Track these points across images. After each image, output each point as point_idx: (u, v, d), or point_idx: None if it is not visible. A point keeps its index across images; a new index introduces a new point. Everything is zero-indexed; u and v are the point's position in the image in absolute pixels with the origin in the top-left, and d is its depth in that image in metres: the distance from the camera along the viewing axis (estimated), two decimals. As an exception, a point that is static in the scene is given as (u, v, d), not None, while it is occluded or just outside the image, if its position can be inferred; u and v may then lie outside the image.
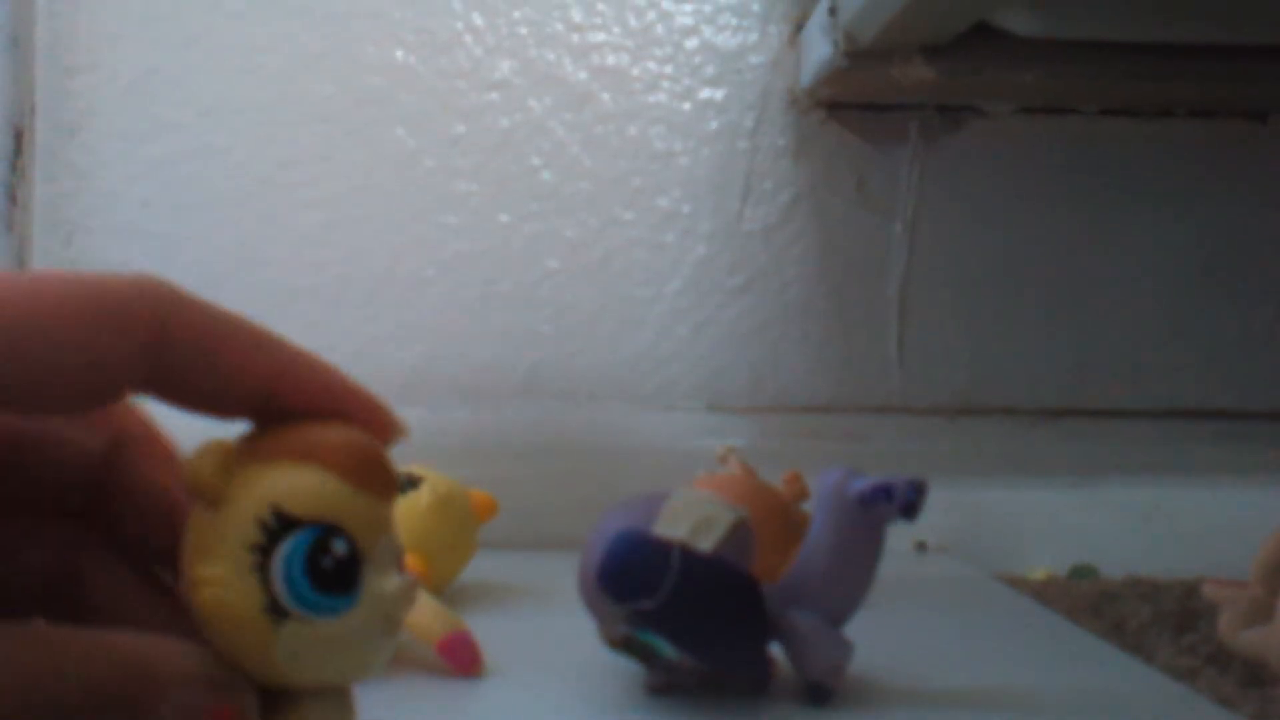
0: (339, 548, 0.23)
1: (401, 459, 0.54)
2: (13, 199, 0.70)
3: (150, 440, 0.26)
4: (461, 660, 0.42)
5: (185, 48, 0.73)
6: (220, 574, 0.22)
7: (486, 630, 0.44)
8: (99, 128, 0.73)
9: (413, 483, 0.53)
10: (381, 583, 0.23)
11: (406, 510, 0.52)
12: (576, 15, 0.75)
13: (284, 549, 0.23)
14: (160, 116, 0.73)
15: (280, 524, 0.23)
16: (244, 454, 0.23)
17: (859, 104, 0.76)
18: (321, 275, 0.74)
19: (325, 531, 0.23)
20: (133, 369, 0.23)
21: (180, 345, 0.24)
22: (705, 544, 0.37)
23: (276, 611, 0.22)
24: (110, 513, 0.26)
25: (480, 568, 0.56)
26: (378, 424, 0.25)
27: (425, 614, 0.43)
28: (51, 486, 0.26)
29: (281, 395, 0.24)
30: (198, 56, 0.73)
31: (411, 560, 0.49)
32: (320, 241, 0.74)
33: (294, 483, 0.23)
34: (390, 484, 0.24)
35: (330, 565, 0.23)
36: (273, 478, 0.23)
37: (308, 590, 0.23)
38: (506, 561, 0.61)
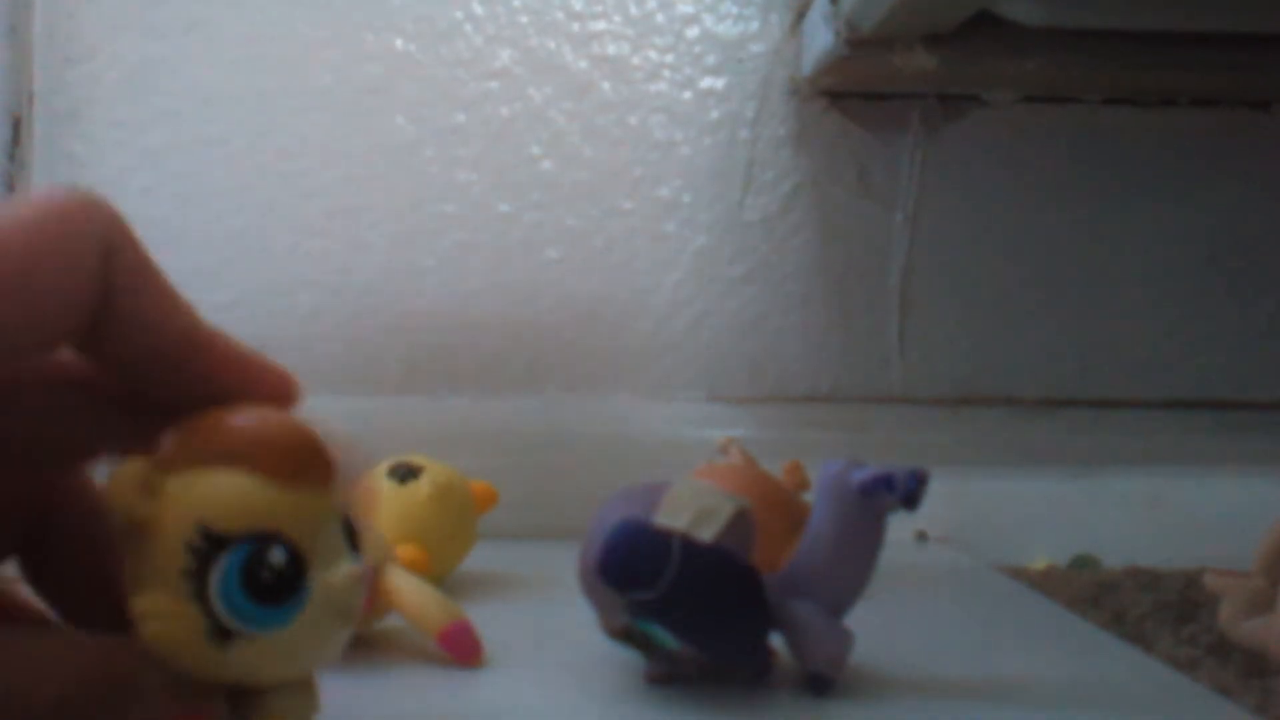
0: (276, 557, 0.22)
1: (399, 449, 0.53)
2: (11, 188, 0.70)
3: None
4: (462, 650, 0.42)
5: (184, 36, 0.73)
6: (159, 604, 0.21)
7: (486, 620, 0.43)
8: (97, 116, 0.73)
9: (413, 472, 0.53)
10: (329, 577, 0.22)
11: (406, 500, 0.52)
12: (576, 3, 0.75)
13: (218, 569, 0.21)
14: (159, 105, 0.73)
15: (210, 544, 0.21)
16: (165, 463, 0.22)
17: (860, 93, 0.76)
18: (321, 265, 0.74)
19: (259, 543, 0.21)
20: (84, 300, 0.21)
21: (119, 278, 0.22)
22: (706, 534, 0.37)
23: (221, 634, 0.21)
24: (109, 354, 0.23)
25: (480, 558, 0.55)
26: (278, 388, 0.24)
27: (426, 604, 0.43)
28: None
29: (189, 356, 0.23)
30: (196, 45, 0.73)
31: (411, 550, 0.49)
32: (320, 231, 0.74)
33: (220, 494, 0.21)
34: (327, 470, 0.23)
35: (270, 578, 0.21)
36: (198, 490, 0.22)
37: (249, 608, 0.21)
38: (506, 551, 0.60)
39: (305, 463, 0.22)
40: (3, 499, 0.25)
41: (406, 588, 0.43)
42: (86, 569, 0.25)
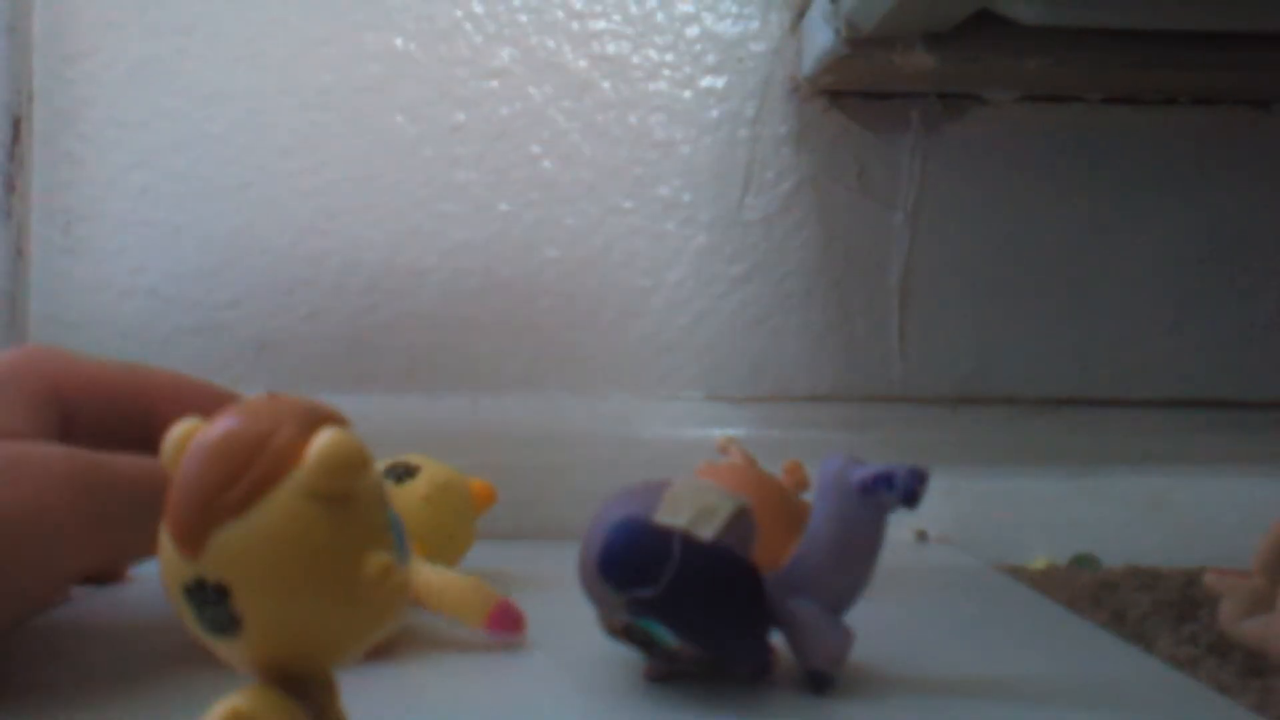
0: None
1: (399, 448, 0.53)
2: (11, 187, 0.70)
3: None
4: (509, 626, 0.43)
5: (184, 34, 0.73)
6: (388, 560, 0.23)
7: (485, 620, 0.43)
8: (97, 116, 0.73)
9: (410, 472, 0.52)
10: None
11: (403, 500, 0.51)
12: (577, 2, 0.75)
13: (393, 521, 0.24)
14: (158, 104, 0.73)
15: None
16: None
17: (861, 92, 0.76)
18: (321, 265, 0.74)
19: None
20: (49, 425, 0.32)
21: (75, 394, 0.33)
22: (706, 532, 0.37)
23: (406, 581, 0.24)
24: None
25: (479, 557, 0.55)
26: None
27: (464, 591, 0.44)
28: None
29: (160, 409, 0.33)
30: (196, 43, 0.73)
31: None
32: (320, 230, 0.74)
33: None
34: None
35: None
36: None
37: (407, 554, 0.24)
38: (505, 551, 0.60)
39: None
40: None
41: (438, 579, 0.44)
42: None
